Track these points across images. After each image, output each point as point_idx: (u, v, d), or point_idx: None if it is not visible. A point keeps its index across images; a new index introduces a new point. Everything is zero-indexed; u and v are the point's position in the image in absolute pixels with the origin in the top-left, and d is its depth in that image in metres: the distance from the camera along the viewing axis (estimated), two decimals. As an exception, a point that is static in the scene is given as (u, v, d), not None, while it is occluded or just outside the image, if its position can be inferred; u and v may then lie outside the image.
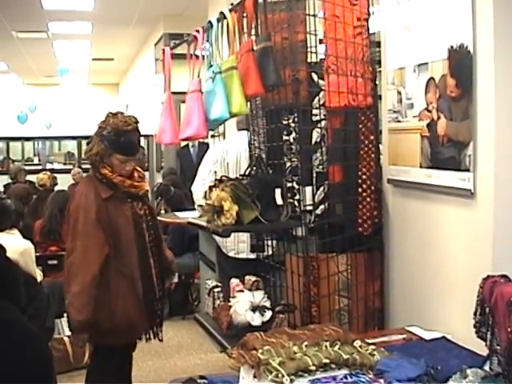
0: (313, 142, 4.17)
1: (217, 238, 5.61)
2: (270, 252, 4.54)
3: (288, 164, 4.18)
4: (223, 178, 3.90)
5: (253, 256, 4.74)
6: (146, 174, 13.11)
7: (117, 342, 4.32)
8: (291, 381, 2.77)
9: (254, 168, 4.15)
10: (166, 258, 4.71)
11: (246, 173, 4.11)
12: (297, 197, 4.05)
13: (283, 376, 2.77)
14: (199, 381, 4.55)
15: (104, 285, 4.19)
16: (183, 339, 7.39)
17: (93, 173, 4.36)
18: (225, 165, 5.41)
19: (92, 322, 4.14)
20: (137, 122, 4.32)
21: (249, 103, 4.25)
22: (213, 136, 8.27)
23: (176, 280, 4.97)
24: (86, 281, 4.10)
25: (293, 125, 4.13)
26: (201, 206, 4.28)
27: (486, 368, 2.91)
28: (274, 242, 4.51)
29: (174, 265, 4.91)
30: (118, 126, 4.21)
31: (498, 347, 2.86)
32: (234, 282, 4.04)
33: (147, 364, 6.53)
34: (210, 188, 3.80)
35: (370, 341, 3.25)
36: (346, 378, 2.76)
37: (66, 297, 4.25)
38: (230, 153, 5.44)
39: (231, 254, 5.56)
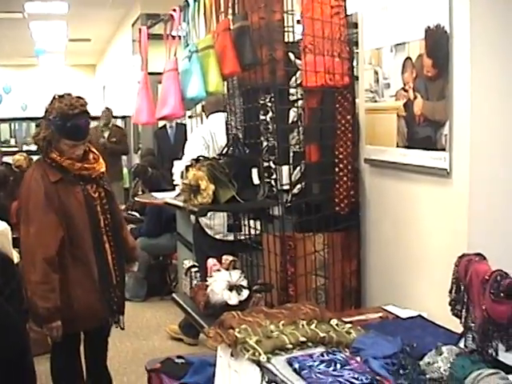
0: (290, 121, 4.16)
1: (203, 220, 5.62)
2: (247, 232, 4.53)
3: (265, 143, 4.16)
4: (200, 157, 3.89)
5: (239, 238, 4.72)
6: (124, 156, 13.07)
7: (77, 329, 4.30)
8: (268, 359, 2.78)
9: (231, 148, 4.15)
10: (127, 244, 4.66)
11: (223, 152, 4.11)
12: (273, 176, 4.04)
13: (260, 354, 2.78)
14: (177, 360, 4.58)
15: (61, 270, 4.14)
16: (161, 320, 7.44)
17: (42, 157, 4.29)
18: (216, 148, 5.37)
19: (60, 307, 4.11)
20: (84, 104, 4.23)
21: (225, 83, 4.23)
22: (190, 117, 8.26)
23: (135, 269, 4.91)
24: (45, 267, 4.04)
25: (269, 104, 4.11)
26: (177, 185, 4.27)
27: (461, 345, 2.93)
28: (251, 221, 4.50)
29: (137, 252, 4.88)
30: (64, 111, 4.11)
31: (473, 325, 2.88)
32: (211, 261, 4.04)
33: (125, 345, 6.56)
34: (187, 168, 3.79)
35: (346, 319, 3.27)
36: (322, 355, 2.77)
37: (26, 287, 4.19)
38: (219, 135, 5.40)
39: (218, 236, 5.56)
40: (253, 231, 4.52)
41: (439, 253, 3.57)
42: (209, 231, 5.64)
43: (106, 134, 11.88)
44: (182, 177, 3.84)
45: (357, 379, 2.57)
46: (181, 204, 3.83)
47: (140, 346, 6.64)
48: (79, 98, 4.24)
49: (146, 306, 8.06)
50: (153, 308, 7.95)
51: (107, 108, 12.51)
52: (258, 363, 2.82)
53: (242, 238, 4.64)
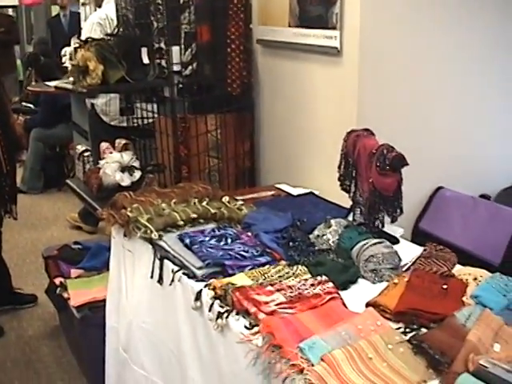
0: (180, 1, 4.06)
1: (99, 106, 5.51)
2: (139, 114, 4.48)
3: (155, 24, 4.07)
4: (88, 38, 3.78)
5: (134, 123, 4.66)
6: (17, 47, 12.61)
7: None
8: (160, 236, 2.81)
9: (121, 29, 4.05)
10: (14, 133, 4.54)
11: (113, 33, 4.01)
12: (165, 57, 3.97)
13: (152, 232, 2.81)
14: (74, 246, 4.59)
15: None
16: (60, 211, 7.37)
17: None
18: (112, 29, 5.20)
19: None
20: None
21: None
22: (83, 4, 7.98)
23: (24, 157, 4.83)
24: None
25: (159, -17, 4.00)
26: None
27: (350, 219, 3.02)
28: (145, 104, 4.44)
29: (24, 140, 4.79)
30: None
31: (361, 199, 2.96)
32: (104, 145, 3.99)
33: (24, 237, 6.50)
34: (75, 49, 3.69)
35: (239, 197, 3.31)
36: (213, 231, 2.82)
37: None
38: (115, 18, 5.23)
39: (113, 123, 5.48)
40: (146, 114, 4.46)
41: (330, 131, 3.61)
42: (104, 118, 5.54)
43: (-8, 25, 11.38)
44: (70, 59, 3.74)
45: (247, 252, 2.63)
46: (70, 86, 3.74)
47: (39, 236, 6.58)
48: None
49: (44, 197, 7.95)
50: (50, 199, 7.86)
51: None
52: (150, 241, 2.84)
53: (137, 124, 4.58)
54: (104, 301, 3.44)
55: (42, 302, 4.97)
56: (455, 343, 1.88)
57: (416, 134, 3.56)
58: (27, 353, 4.43)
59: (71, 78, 3.70)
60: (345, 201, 3.13)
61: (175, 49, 3.95)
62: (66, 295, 4.00)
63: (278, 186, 3.79)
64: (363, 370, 1.85)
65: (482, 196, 3.81)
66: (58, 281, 4.19)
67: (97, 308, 3.70)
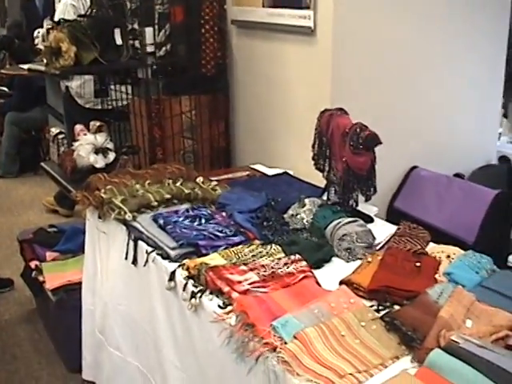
0: (153, -19, 4.04)
1: (73, 89, 5.47)
2: (114, 96, 4.45)
3: (129, 5, 4.04)
4: (61, 19, 3.75)
5: (109, 105, 4.63)
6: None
7: None
8: (134, 217, 2.80)
9: (94, 10, 4.01)
10: None
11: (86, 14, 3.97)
12: (139, 38, 3.95)
13: (125, 213, 2.80)
14: (49, 230, 4.57)
15: None
16: (36, 195, 7.32)
17: None
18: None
19: None
20: None
21: None
22: (58, -14, 7.91)
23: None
24: None
25: (131, -37, 3.98)
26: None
27: (324, 197, 3.02)
28: (118, 86, 4.42)
29: None
30: None
31: (335, 177, 2.96)
32: (79, 127, 3.96)
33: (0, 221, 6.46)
34: (48, 30, 3.66)
35: (214, 178, 3.30)
36: (187, 211, 2.81)
37: None
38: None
39: (88, 105, 5.44)
40: (121, 96, 4.44)
41: (305, 110, 3.61)
42: (79, 100, 5.51)
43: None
44: (43, 40, 3.71)
45: (221, 232, 2.63)
46: (43, 68, 3.71)
47: (15, 221, 6.54)
48: None
49: (20, 181, 7.90)
50: (26, 184, 7.80)
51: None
52: (124, 222, 2.83)
53: (112, 106, 4.56)
54: (80, 283, 3.43)
55: (18, 286, 4.94)
56: (427, 320, 1.89)
57: (390, 114, 3.58)
58: (4, 337, 4.41)
59: (44, 60, 3.66)
60: (319, 180, 3.13)
61: (149, 30, 3.93)
62: (41, 278, 3.99)
63: (252, 166, 3.79)
64: (336, 347, 1.86)
65: (457, 175, 3.83)
66: (33, 264, 4.18)
67: (72, 291, 3.70)
